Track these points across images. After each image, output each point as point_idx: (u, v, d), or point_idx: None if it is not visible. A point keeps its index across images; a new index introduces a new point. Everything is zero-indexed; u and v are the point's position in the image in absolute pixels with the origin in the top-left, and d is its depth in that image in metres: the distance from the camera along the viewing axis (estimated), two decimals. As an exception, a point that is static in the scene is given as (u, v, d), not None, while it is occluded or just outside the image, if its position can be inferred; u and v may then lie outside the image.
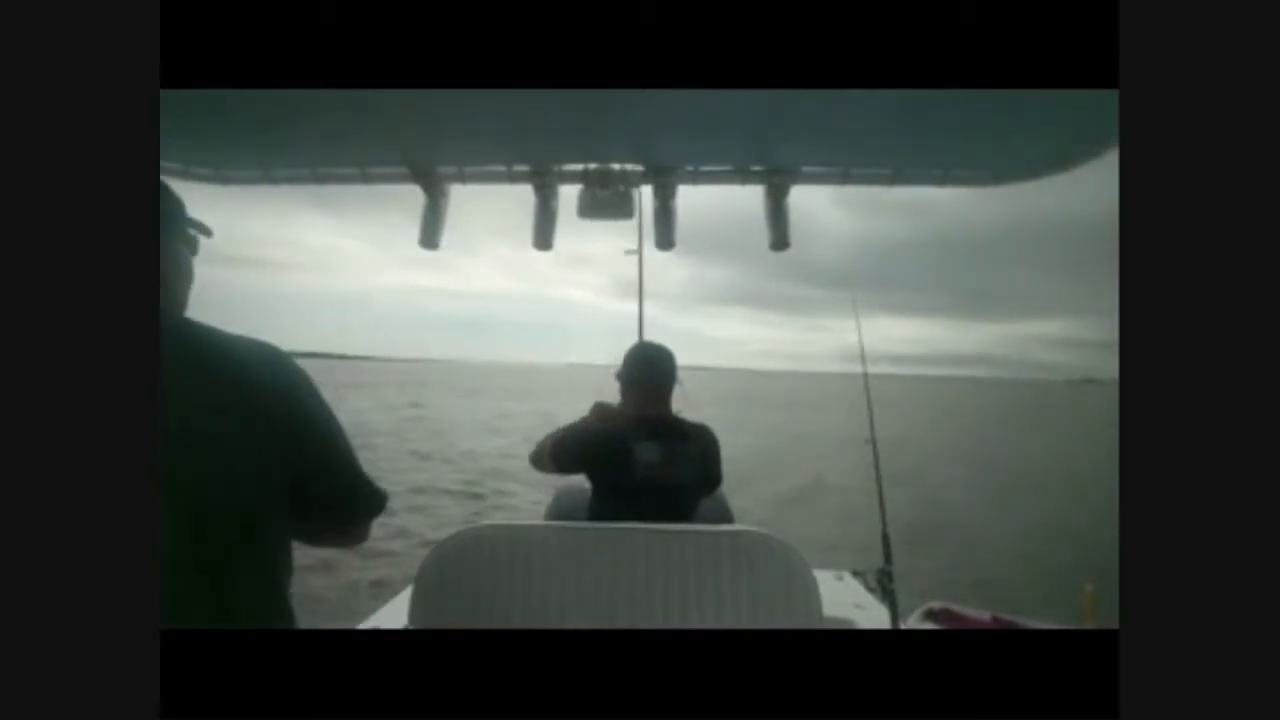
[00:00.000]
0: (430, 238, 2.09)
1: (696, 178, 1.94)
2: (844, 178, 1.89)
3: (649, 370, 1.84)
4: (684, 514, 1.69)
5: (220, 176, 1.97)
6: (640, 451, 1.66)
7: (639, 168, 1.91)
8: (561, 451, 1.75)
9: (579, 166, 1.92)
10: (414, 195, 2.06)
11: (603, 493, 1.71)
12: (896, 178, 1.88)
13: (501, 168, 1.96)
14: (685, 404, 1.91)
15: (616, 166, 1.91)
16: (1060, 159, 1.68)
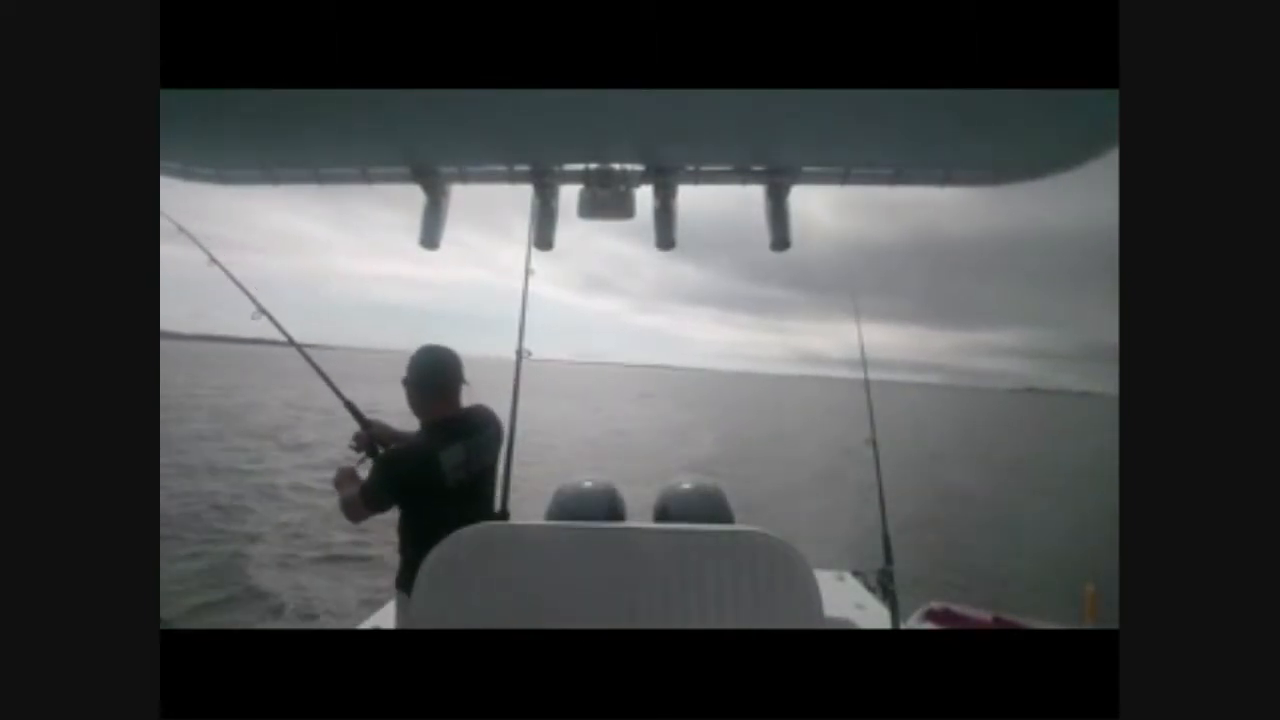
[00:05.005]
0: (430, 237, 2.09)
1: (697, 178, 1.94)
2: (844, 178, 1.89)
3: (435, 373, 1.94)
4: (493, 484, 1.98)
5: (221, 176, 1.97)
6: (446, 458, 1.82)
7: (639, 168, 1.91)
8: (370, 494, 1.82)
9: (579, 166, 1.92)
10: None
11: (423, 505, 1.82)
12: (897, 178, 1.88)
13: (502, 167, 1.95)
14: (472, 400, 2.01)
15: (617, 166, 1.90)
16: (1060, 159, 1.68)
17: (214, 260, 2.27)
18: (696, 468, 12.66)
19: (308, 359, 2.35)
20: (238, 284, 2.26)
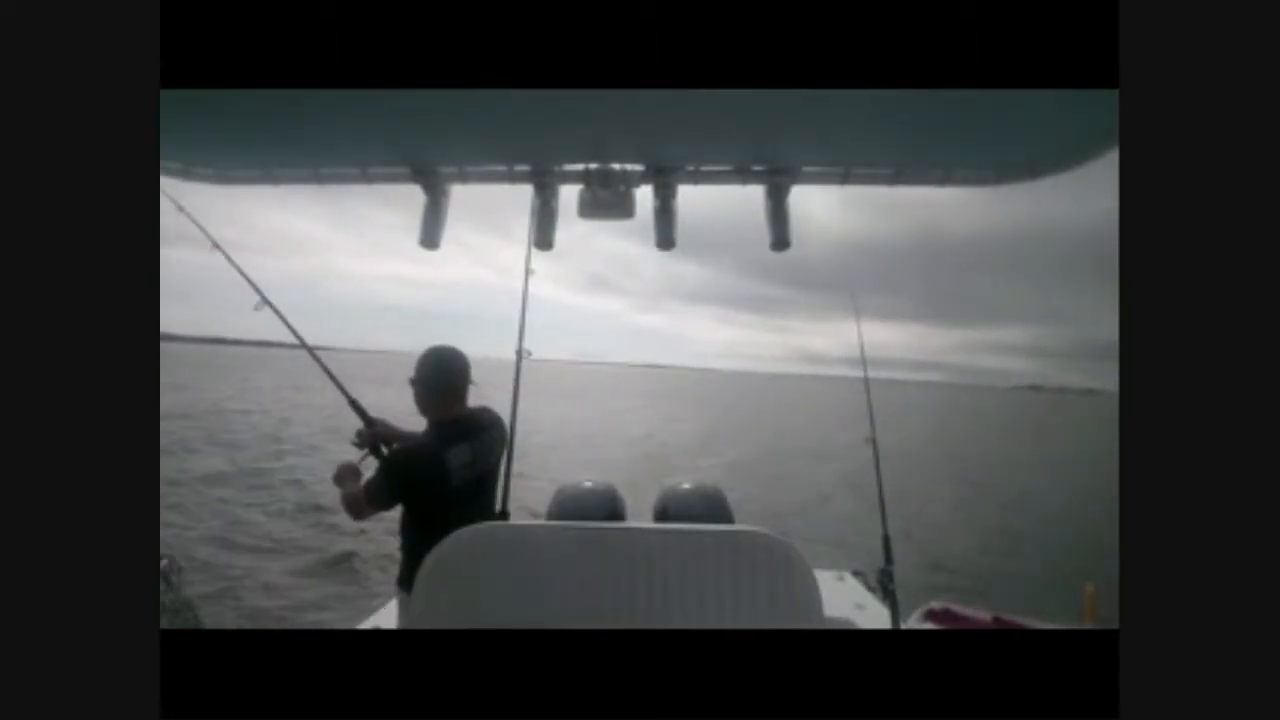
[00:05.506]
0: (430, 237, 2.09)
1: (697, 177, 1.94)
2: (844, 178, 1.89)
3: (443, 373, 1.94)
4: (495, 485, 1.99)
5: (221, 176, 1.97)
6: (452, 458, 1.83)
7: (639, 168, 1.91)
8: (375, 491, 1.82)
9: (579, 166, 1.92)
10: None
11: (427, 505, 1.83)
12: (897, 178, 1.88)
13: (502, 167, 1.96)
14: (481, 401, 2.02)
15: (617, 166, 1.91)
16: (1060, 159, 1.68)
17: (216, 246, 2.24)
18: (720, 469, 12.61)
19: (313, 355, 2.34)
20: (240, 272, 2.24)
